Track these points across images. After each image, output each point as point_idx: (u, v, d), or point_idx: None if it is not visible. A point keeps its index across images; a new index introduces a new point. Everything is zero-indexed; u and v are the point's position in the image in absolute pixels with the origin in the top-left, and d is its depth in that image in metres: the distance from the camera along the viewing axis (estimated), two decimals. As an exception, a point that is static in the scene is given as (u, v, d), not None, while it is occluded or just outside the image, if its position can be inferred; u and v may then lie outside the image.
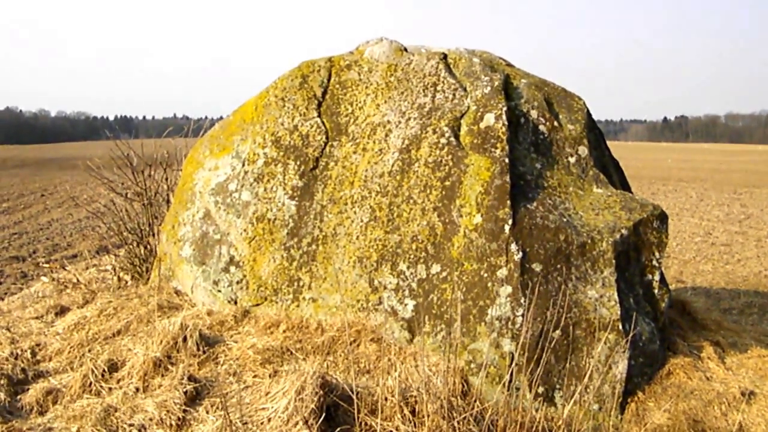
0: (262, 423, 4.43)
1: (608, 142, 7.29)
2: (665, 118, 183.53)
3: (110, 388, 5.21)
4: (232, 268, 6.43)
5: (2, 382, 5.43)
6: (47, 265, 11.27)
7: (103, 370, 5.36)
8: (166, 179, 9.07)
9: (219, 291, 6.45)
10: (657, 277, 5.95)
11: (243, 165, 6.68)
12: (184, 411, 4.70)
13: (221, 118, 7.68)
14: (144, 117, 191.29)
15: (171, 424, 4.60)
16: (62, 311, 7.23)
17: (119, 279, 8.45)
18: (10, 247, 17.56)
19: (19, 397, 5.28)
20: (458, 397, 4.62)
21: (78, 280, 8.66)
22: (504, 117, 6.01)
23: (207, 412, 4.70)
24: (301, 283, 6.09)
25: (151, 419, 4.62)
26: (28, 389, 5.36)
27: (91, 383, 5.26)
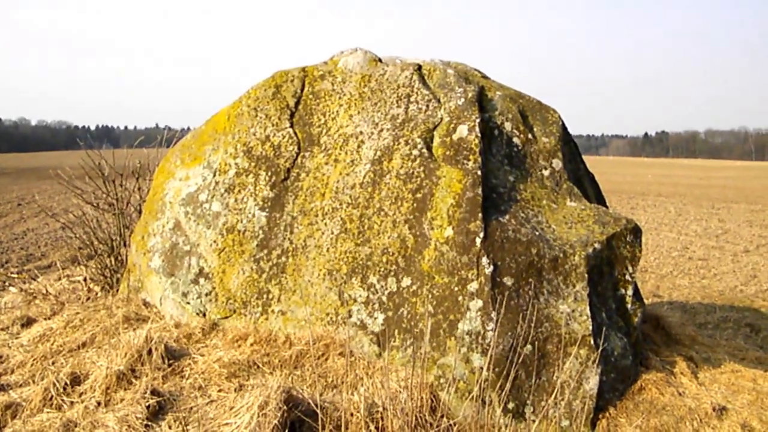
0: (225, 438, 4.34)
1: (589, 157, 7.28)
2: (646, 133, 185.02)
3: (72, 402, 5.09)
4: (202, 280, 6.33)
5: (-39, 395, 5.30)
6: (16, 276, 11.12)
7: (65, 384, 5.24)
8: (139, 189, 8.96)
9: (188, 303, 6.35)
10: (630, 292, 5.89)
11: (214, 175, 6.59)
12: (146, 426, 4.60)
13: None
14: (126, 127, 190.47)
15: (132, 439, 4.50)
16: (29, 323, 7.10)
17: (89, 290, 8.32)
18: (-17, 256, 17.33)
19: (-22, 410, 5.16)
20: (426, 413, 4.54)
21: (47, 291, 8.52)
22: (477, 129, 5.96)
23: (169, 428, 4.60)
24: (270, 296, 6.00)
25: (111, 434, 4.52)
26: (-13, 403, 5.24)
27: (52, 397, 5.14)
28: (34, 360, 5.87)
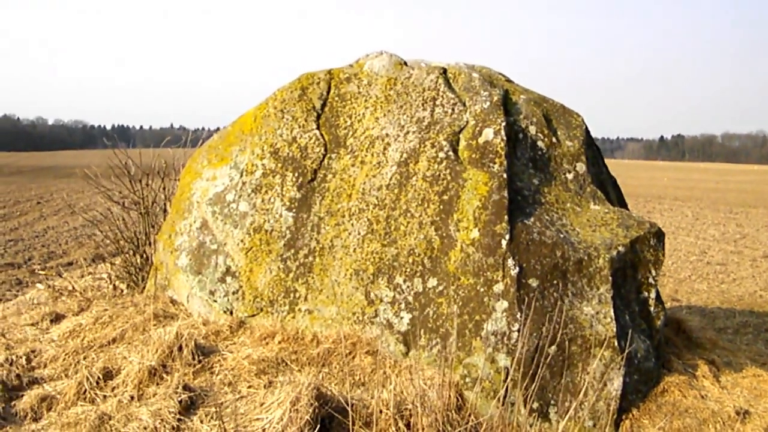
0: (256, 433, 4.43)
1: (604, 160, 7.31)
2: (662, 136, 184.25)
3: (105, 396, 5.20)
4: (229, 279, 6.43)
5: (-3, 388, 5.42)
6: (43, 272, 11.27)
7: (98, 378, 5.36)
8: (164, 189, 9.07)
9: (215, 301, 6.45)
10: (653, 295, 5.95)
11: (241, 176, 6.69)
12: (179, 420, 4.70)
13: (218, 129, 7.69)
14: (141, 127, 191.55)
15: (165, 433, 4.59)
16: (57, 318, 7.22)
17: (115, 287, 8.43)
18: (6, 253, 17.52)
19: (13, 403, 5.27)
20: (453, 411, 4.62)
21: (73, 288, 8.64)
22: (503, 132, 6.03)
23: (201, 422, 4.69)
24: (297, 295, 6.09)
25: (145, 428, 4.62)
26: (22, 395, 5.35)
27: (85, 390, 5.26)
28: (65, 355, 5.98)
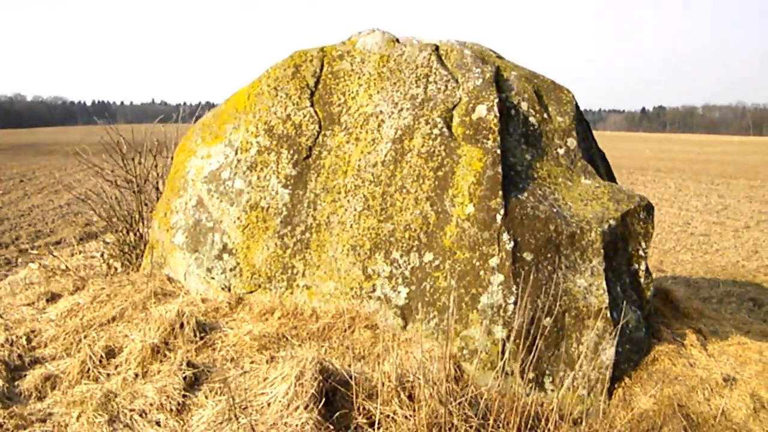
0: (262, 407, 4.53)
1: (593, 134, 7.42)
2: (643, 108, 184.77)
3: (108, 374, 5.28)
4: (226, 256, 6.51)
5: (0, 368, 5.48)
6: (35, 252, 11.30)
7: (101, 356, 5.43)
8: (156, 166, 9.10)
9: (212, 278, 6.53)
10: (643, 267, 6.09)
11: (236, 153, 6.75)
12: (184, 396, 4.78)
13: (200, 104, 7.72)
14: (122, 102, 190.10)
15: (171, 409, 4.68)
16: (53, 298, 7.26)
17: (109, 266, 8.48)
18: (-8, 233, 17.49)
19: (17, 383, 5.34)
20: (453, 383, 4.73)
21: (67, 267, 8.68)
22: (496, 109, 6.11)
23: (206, 397, 4.78)
24: (294, 271, 6.18)
25: (151, 404, 4.70)
26: (25, 375, 5.41)
27: (89, 369, 5.33)
28: (66, 334, 6.04)
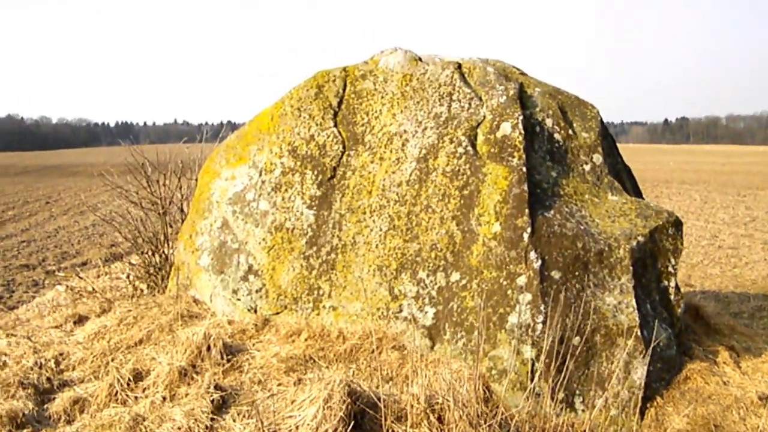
0: (290, 430, 4.49)
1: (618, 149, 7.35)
2: (666, 119, 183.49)
3: (136, 397, 5.28)
4: (251, 277, 6.50)
5: (29, 391, 5.50)
6: (62, 274, 11.35)
7: (129, 379, 5.43)
8: (180, 188, 9.14)
9: (238, 300, 6.52)
10: (673, 283, 6.02)
11: (260, 175, 6.76)
12: (212, 419, 4.76)
13: (222, 123, 7.74)
14: (145, 123, 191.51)
15: (199, 433, 4.67)
16: (81, 320, 7.31)
17: (134, 288, 8.52)
18: (20, 255, 17.61)
19: (46, 406, 5.36)
20: (482, 404, 4.68)
21: (93, 289, 8.73)
22: (520, 126, 6.08)
23: (234, 420, 4.76)
24: (321, 292, 6.17)
25: (179, 428, 4.68)
26: (54, 398, 5.44)
27: (117, 392, 5.33)
28: (93, 357, 6.06)
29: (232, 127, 9.70)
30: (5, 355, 6.32)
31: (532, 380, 5.12)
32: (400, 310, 5.83)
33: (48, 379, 5.76)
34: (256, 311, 6.42)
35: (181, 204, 9.05)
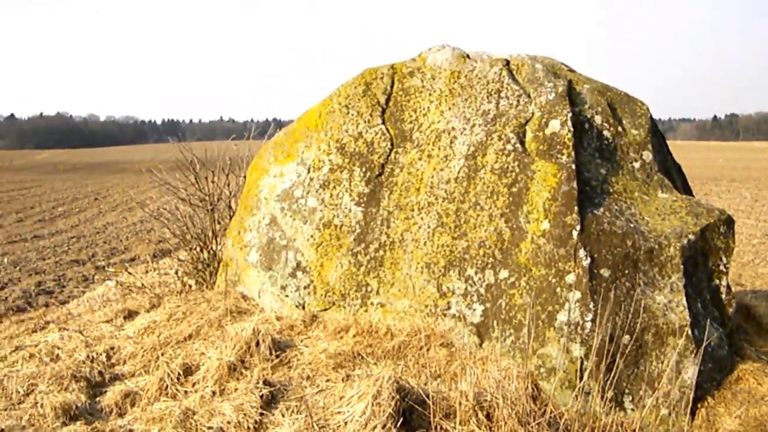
0: (338, 426, 4.52)
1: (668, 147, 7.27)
2: (715, 116, 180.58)
3: (186, 392, 5.35)
4: (299, 274, 6.55)
5: (81, 384, 5.61)
6: (113, 269, 11.52)
7: (178, 374, 5.51)
8: (228, 185, 9.22)
9: (286, 296, 6.57)
10: (724, 283, 5.94)
11: (308, 172, 6.79)
12: (261, 414, 4.80)
13: (267, 120, 7.80)
14: (191, 120, 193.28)
15: (248, 427, 4.71)
16: (130, 315, 7.41)
17: (183, 283, 8.61)
18: (70, 250, 17.92)
19: (97, 399, 5.46)
20: (530, 402, 4.66)
21: (143, 284, 8.85)
22: (569, 123, 6.04)
23: (283, 416, 4.80)
24: (369, 288, 6.19)
25: (229, 422, 4.74)
26: (105, 391, 5.54)
27: (167, 386, 5.41)
28: (143, 351, 6.15)
29: (278, 124, 9.77)
30: (58, 348, 6.45)
31: (581, 379, 5.08)
32: (448, 308, 5.83)
33: (99, 372, 5.86)
34: (304, 307, 6.46)
35: (229, 201, 9.13)
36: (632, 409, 5.19)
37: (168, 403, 5.21)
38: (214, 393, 5.23)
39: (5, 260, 16.46)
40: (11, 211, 27.16)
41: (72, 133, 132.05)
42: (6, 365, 6.22)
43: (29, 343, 6.77)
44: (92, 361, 6.05)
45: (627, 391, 5.26)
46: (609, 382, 4.82)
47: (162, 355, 6.00)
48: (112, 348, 6.35)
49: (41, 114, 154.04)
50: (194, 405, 5.03)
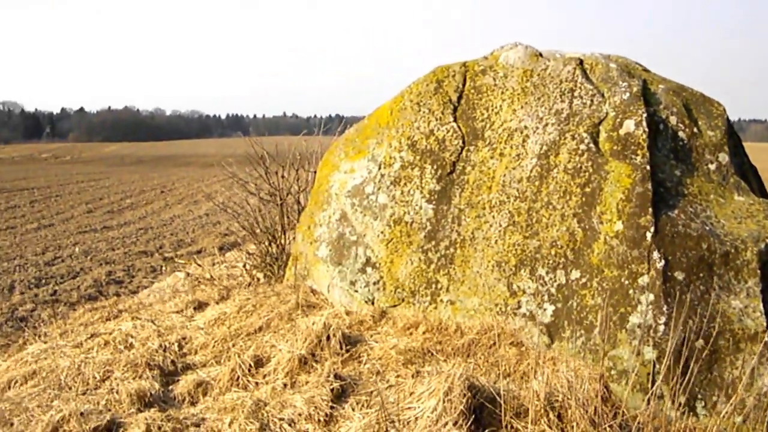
0: (409, 422, 4.54)
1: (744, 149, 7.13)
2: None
3: (257, 383, 5.43)
4: (369, 269, 6.59)
5: (155, 372, 5.75)
6: (182, 261, 11.71)
7: (249, 365, 5.59)
8: (297, 180, 9.32)
9: (356, 291, 6.62)
10: (803, 289, 5.81)
11: (379, 168, 6.83)
12: (332, 407, 4.86)
13: (330, 116, 7.85)
14: (254, 115, 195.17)
15: (319, 420, 4.76)
16: (200, 306, 7.55)
17: (251, 276, 8.73)
18: (138, 242, 18.28)
19: (170, 387, 5.59)
20: (602, 404, 4.63)
21: (211, 276, 8.99)
22: (644, 123, 5.97)
23: (353, 410, 4.84)
24: (438, 286, 6.20)
25: (300, 414, 4.80)
26: (178, 380, 5.67)
27: (238, 377, 5.51)
28: (214, 342, 6.27)
29: (340, 120, 9.86)
30: (132, 337, 6.60)
31: (653, 382, 5.03)
32: (519, 307, 5.81)
33: (172, 361, 5.99)
34: (373, 303, 6.51)
35: (298, 196, 9.23)
36: (705, 415, 5.11)
37: (239, 393, 5.29)
38: (285, 385, 5.31)
39: (76, 249, 16.88)
40: (81, 202, 27.82)
41: (139, 126, 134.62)
42: (82, 351, 6.40)
43: (104, 331, 6.94)
44: (165, 350, 6.18)
45: (700, 396, 5.18)
46: (682, 386, 4.76)
47: (233, 346, 6.09)
48: (183, 338, 6.48)
49: (109, 108, 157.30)
50: (265, 396, 5.11)
